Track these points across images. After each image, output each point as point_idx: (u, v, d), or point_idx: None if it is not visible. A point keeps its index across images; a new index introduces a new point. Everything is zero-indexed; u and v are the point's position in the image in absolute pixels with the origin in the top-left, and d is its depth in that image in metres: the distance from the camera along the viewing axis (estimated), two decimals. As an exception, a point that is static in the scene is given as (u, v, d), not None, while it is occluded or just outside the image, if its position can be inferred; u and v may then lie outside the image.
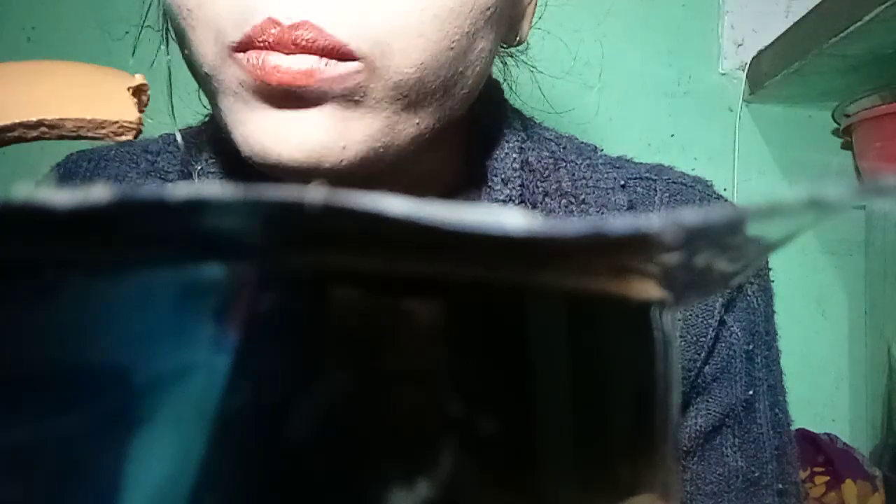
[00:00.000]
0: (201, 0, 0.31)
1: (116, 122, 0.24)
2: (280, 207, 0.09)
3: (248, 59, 0.30)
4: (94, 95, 0.24)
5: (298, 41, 0.29)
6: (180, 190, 0.09)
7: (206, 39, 0.31)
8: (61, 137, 0.23)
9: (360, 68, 0.30)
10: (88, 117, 0.23)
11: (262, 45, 0.30)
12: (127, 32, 0.43)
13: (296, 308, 0.11)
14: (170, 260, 0.10)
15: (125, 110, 0.24)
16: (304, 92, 0.30)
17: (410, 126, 0.33)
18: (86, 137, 0.24)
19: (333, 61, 0.30)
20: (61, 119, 0.23)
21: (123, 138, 0.24)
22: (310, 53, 0.30)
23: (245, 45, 0.30)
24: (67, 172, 0.44)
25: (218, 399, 0.10)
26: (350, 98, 0.31)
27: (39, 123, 0.23)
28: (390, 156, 0.33)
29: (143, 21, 0.42)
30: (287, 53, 0.30)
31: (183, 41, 0.33)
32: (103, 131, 0.24)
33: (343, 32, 0.30)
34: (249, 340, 0.10)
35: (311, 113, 0.31)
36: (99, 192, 0.09)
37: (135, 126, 0.24)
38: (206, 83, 0.33)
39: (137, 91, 0.25)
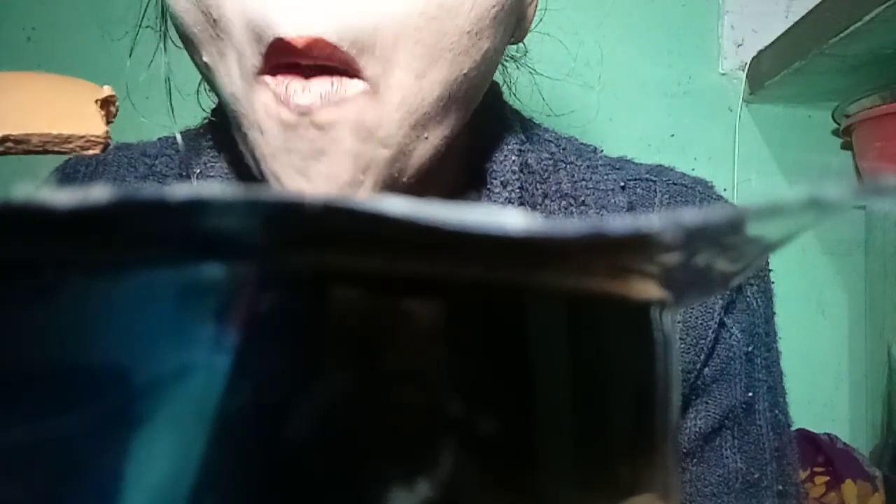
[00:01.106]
0: (219, 15, 0.30)
1: (83, 137, 0.24)
2: (280, 207, 0.09)
3: (275, 84, 0.30)
4: (60, 109, 0.24)
5: (316, 54, 0.29)
6: (180, 190, 0.09)
7: (232, 60, 0.31)
8: (28, 152, 0.23)
9: (366, 89, 0.30)
10: (55, 132, 0.23)
11: (281, 68, 0.30)
12: (126, 33, 0.42)
13: (296, 308, 0.11)
14: (170, 260, 0.10)
15: (92, 124, 0.24)
16: (318, 121, 0.30)
17: (421, 143, 0.33)
18: (52, 152, 0.23)
19: (344, 79, 0.30)
20: (27, 134, 0.23)
21: (91, 152, 0.24)
22: (326, 74, 0.30)
23: (265, 69, 0.30)
24: (66, 177, 0.44)
25: (218, 399, 0.10)
26: (363, 127, 0.31)
27: (5, 139, 0.22)
28: (406, 176, 0.33)
29: (141, 21, 0.42)
30: (306, 76, 0.30)
31: (203, 53, 0.33)
32: (70, 146, 0.23)
33: (352, 49, 0.30)
34: (249, 340, 0.10)
35: (330, 150, 0.31)
36: (99, 193, 0.09)
37: (102, 140, 0.24)
38: (229, 104, 0.33)
39: (105, 103, 0.25)
